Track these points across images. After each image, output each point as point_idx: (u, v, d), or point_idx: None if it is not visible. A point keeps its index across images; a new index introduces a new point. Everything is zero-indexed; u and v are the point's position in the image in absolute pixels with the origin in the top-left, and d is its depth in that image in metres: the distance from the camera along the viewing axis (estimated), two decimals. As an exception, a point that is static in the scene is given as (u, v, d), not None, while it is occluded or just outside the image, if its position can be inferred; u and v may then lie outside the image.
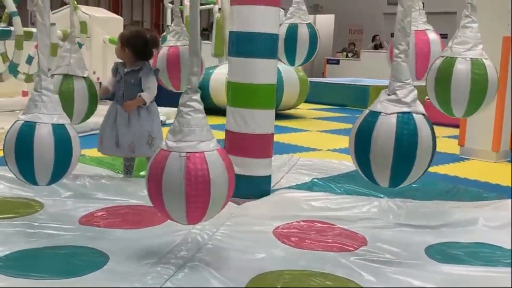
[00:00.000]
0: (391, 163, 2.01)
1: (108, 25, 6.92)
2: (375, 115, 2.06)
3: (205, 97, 7.53)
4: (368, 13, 17.10)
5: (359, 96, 9.65)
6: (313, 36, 3.23)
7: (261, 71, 2.91)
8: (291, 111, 8.04)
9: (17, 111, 6.10)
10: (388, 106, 2.04)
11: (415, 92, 2.07)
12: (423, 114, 2.05)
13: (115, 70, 3.28)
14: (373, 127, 2.03)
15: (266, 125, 2.98)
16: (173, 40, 3.25)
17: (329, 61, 14.50)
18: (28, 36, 5.60)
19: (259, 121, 2.94)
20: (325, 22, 17.52)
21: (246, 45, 2.89)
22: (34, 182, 2.32)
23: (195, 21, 1.99)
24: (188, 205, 1.89)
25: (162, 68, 3.22)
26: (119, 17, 7.25)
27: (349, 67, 13.76)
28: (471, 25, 2.40)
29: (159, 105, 3.38)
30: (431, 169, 4.49)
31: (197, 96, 1.96)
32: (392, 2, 17.37)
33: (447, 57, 2.39)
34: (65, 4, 6.65)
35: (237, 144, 2.98)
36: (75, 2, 6.54)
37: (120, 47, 3.22)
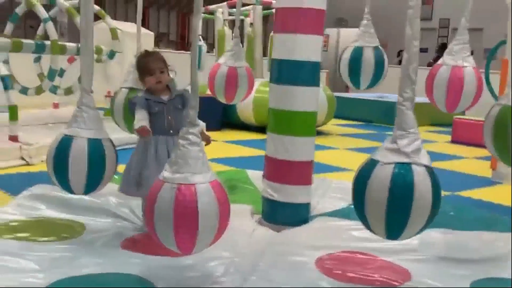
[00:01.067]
0: (385, 215, 1.94)
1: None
2: (373, 163, 2.01)
3: (232, 113, 7.58)
4: (393, 27, 17.02)
5: (385, 113, 9.58)
6: (380, 59, 3.18)
7: (303, 98, 2.91)
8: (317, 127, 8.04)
9: (50, 124, 6.20)
10: (387, 155, 1.97)
11: (419, 142, 1.98)
12: (426, 166, 1.94)
13: (145, 103, 2.66)
14: (369, 175, 1.98)
15: (306, 152, 2.97)
16: (231, 61, 3.43)
17: (354, 76, 14.45)
18: (62, 50, 5.70)
19: (299, 148, 2.94)
20: (349, 36, 17.44)
21: (288, 72, 2.90)
22: (70, 191, 2.51)
23: (194, 66, 2.00)
24: (177, 235, 1.92)
25: (219, 86, 3.41)
26: (150, 32, 7.32)
27: (374, 82, 13.68)
28: None
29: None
30: (464, 194, 4.50)
31: (195, 130, 1.98)
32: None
33: (504, 105, 2.21)
34: (98, 18, 6.72)
35: (277, 170, 2.98)
36: (103, 12, 6.62)
37: (161, 73, 2.68)
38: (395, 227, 1.98)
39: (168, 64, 2.73)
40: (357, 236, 2.89)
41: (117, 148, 2.65)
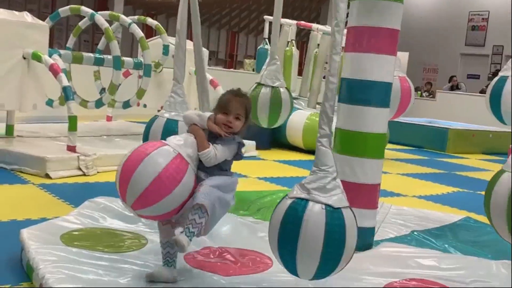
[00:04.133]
0: (277, 246, 1.97)
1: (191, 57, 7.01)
2: (285, 195, 2.05)
3: (282, 135, 7.55)
4: (444, 52, 16.83)
5: (437, 139, 9.41)
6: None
7: (373, 119, 2.84)
8: (369, 151, 7.91)
9: (104, 136, 6.28)
10: (295, 189, 1.99)
11: (327, 180, 1.95)
12: (326, 205, 1.91)
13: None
14: (276, 207, 2.03)
15: (374, 175, 2.89)
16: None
17: (402, 100, 14.26)
18: (122, 64, 5.82)
19: (367, 170, 2.86)
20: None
21: (359, 92, 2.83)
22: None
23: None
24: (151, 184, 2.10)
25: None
26: (205, 49, 7.35)
27: (424, 107, 13.49)
28: None
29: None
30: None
31: None
32: (470, 43, 17.06)
33: None
34: (156, 33, 6.83)
35: (342, 192, 2.90)
36: (162, 28, 6.71)
37: (236, 118, 2.29)
38: (288, 260, 1.99)
39: (248, 117, 2.35)
40: (424, 264, 2.80)
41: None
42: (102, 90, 6.46)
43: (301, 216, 1.90)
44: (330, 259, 1.95)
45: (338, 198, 1.95)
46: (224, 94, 2.38)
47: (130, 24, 6.05)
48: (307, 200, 1.93)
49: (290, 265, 1.99)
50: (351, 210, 2.02)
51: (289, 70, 8.35)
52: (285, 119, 3.74)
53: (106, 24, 5.77)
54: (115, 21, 5.90)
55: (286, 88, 3.65)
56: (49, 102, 5.85)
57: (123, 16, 6.07)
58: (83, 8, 6.03)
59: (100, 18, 5.78)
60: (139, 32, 6.14)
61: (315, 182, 1.95)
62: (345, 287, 2.43)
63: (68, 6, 6.25)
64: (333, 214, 1.92)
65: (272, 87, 3.54)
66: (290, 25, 8.46)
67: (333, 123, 2.14)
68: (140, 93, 6.22)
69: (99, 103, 5.96)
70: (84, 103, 6.04)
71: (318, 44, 8.35)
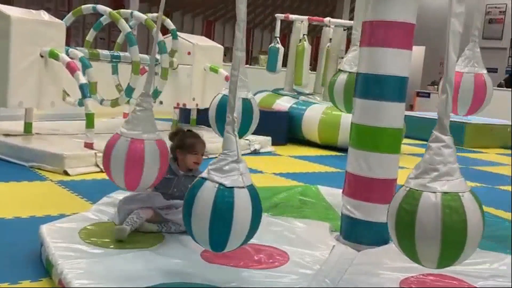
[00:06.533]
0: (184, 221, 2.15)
1: (209, 53, 7.05)
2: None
3: (297, 130, 7.55)
4: (461, 46, 16.62)
5: (454, 134, 9.06)
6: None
7: (389, 114, 2.82)
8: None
9: (121, 133, 6.32)
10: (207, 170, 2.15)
11: (225, 163, 2.07)
12: (221, 184, 2.03)
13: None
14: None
15: (390, 170, 2.88)
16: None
17: (419, 94, 14.16)
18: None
19: (384, 165, 2.85)
20: (415, 54, 16.96)
21: (375, 87, 2.81)
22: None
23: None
24: (126, 173, 2.59)
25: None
26: (220, 46, 7.37)
27: (440, 101, 13.35)
28: None
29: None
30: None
31: (148, 99, 2.62)
32: (487, 36, 16.86)
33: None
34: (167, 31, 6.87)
35: (359, 187, 2.90)
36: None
37: (202, 155, 2.99)
38: (189, 232, 2.15)
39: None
40: (442, 260, 2.78)
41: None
42: (118, 86, 6.53)
43: (196, 193, 2.07)
44: (219, 233, 2.06)
45: (233, 179, 2.06)
46: (186, 137, 2.96)
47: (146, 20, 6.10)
48: (205, 179, 2.09)
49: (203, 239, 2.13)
50: (252, 192, 2.09)
51: (301, 64, 8.35)
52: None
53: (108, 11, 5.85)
54: (115, 21, 5.93)
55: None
56: (80, 102, 5.93)
57: (122, 21, 6.03)
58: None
59: (102, 7, 5.89)
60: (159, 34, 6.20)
61: (215, 164, 2.09)
62: (361, 281, 2.43)
63: (86, 5, 6.31)
64: (224, 193, 2.03)
65: (349, 72, 3.40)
66: (302, 20, 8.46)
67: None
68: (156, 93, 6.28)
69: (114, 103, 6.02)
70: (100, 101, 6.10)
71: (330, 39, 8.36)
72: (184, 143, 2.95)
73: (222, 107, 2.87)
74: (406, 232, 1.94)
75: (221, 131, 2.98)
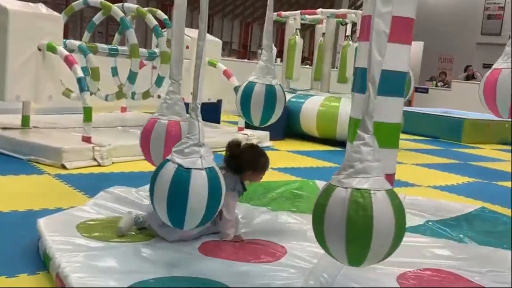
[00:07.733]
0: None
1: (207, 47, 7.00)
2: None
3: (295, 124, 7.54)
4: (460, 42, 16.65)
5: (452, 129, 9.35)
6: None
7: (388, 109, 2.81)
8: (383, 141, 7.88)
9: (119, 127, 6.31)
10: None
11: (186, 145, 2.14)
12: (179, 165, 2.10)
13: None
14: None
15: (388, 165, 2.86)
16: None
17: (417, 90, 14.16)
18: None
19: (382, 160, 2.84)
20: (413, 49, 17.03)
21: (373, 82, 2.80)
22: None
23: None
24: (165, 153, 2.52)
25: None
26: (219, 40, 7.35)
27: (439, 97, 13.39)
28: None
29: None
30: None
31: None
32: (486, 32, 16.86)
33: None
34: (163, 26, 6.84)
35: (357, 182, 2.89)
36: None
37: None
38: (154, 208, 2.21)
39: None
40: (439, 254, 2.80)
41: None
42: (120, 86, 6.51)
43: (158, 172, 2.16)
44: (175, 211, 2.12)
45: (191, 161, 2.11)
46: (262, 157, 2.92)
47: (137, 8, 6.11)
48: (168, 160, 2.16)
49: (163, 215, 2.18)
50: (211, 174, 2.12)
51: (293, 58, 8.33)
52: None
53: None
54: (107, 13, 5.90)
55: None
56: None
57: (115, 8, 5.99)
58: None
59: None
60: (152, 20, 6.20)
61: (178, 147, 2.17)
62: (359, 276, 2.43)
63: (76, 2, 6.26)
64: (181, 173, 2.09)
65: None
66: (295, 17, 8.43)
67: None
68: (159, 81, 6.22)
69: (119, 95, 6.00)
70: (105, 96, 6.08)
71: (324, 33, 8.37)
72: (257, 164, 2.90)
73: (246, 92, 3.03)
74: (319, 226, 1.91)
75: (244, 114, 3.12)
